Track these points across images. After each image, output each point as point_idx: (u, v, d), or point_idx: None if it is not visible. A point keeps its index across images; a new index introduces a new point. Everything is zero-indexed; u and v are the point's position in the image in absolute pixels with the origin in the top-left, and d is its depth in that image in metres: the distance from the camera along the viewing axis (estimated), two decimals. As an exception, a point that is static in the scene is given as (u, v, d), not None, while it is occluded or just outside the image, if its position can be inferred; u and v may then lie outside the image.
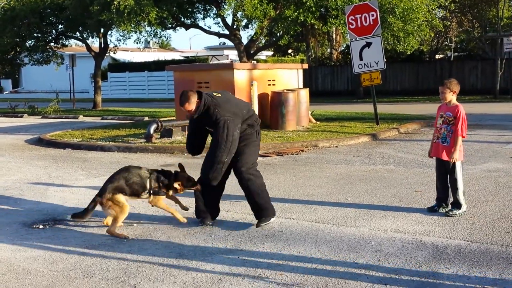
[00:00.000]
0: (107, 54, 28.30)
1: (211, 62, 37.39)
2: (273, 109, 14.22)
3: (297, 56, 45.99)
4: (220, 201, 6.13)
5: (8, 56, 28.05)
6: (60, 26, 26.60)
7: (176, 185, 5.88)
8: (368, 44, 14.36)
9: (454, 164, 6.03)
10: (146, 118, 19.97)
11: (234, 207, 6.64)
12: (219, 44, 47.30)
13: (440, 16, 29.53)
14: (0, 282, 4.47)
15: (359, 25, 14.41)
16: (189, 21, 23.05)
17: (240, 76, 13.92)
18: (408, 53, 22.95)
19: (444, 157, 6.08)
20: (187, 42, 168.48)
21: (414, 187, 7.52)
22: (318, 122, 15.90)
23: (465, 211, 6.08)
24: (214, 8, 22.16)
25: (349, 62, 24.45)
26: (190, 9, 22.50)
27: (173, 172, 5.99)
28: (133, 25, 19.54)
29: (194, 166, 9.59)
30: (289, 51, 47.27)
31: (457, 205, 6.08)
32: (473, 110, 18.58)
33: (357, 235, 5.42)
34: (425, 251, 4.90)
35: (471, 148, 10.57)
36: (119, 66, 44.04)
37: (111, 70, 42.84)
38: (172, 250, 5.13)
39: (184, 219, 5.95)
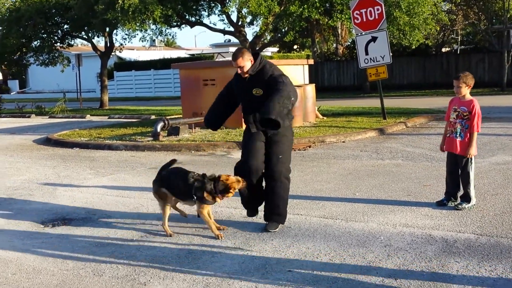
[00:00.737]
0: (113, 53, 28.34)
1: (216, 60, 37.39)
2: (279, 105, 14.17)
3: (303, 52, 45.93)
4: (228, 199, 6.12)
5: (15, 57, 28.15)
6: (65, 26, 26.66)
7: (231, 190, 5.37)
8: (374, 39, 14.31)
9: (468, 158, 6.00)
10: (153, 117, 20.01)
11: (242, 204, 6.64)
12: (225, 41, 47.33)
13: (446, 10, 29.39)
14: (11, 282, 4.50)
15: (365, 20, 14.36)
16: (194, 19, 23.03)
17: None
18: (414, 47, 22.85)
19: (458, 151, 6.03)
20: (193, 39, 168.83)
21: (423, 181, 7.49)
22: (324, 118, 15.87)
23: (474, 205, 6.05)
24: (219, 5, 22.13)
25: (355, 57, 24.38)
26: (194, 7, 22.48)
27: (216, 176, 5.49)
28: (138, 24, 19.54)
29: (201, 163, 9.61)
30: (295, 47, 47.22)
31: (466, 198, 6.06)
32: (481, 102, 18.25)
33: (366, 230, 5.41)
34: (434, 245, 4.89)
35: (480, 141, 10.48)
36: (125, 65, 44.11)
37: (117, 69, 42.93)
38: (181, 248, 5.14)
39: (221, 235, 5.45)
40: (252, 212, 5.91)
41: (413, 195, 6.78)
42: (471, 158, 6.02)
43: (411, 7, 18.46)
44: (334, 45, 38.18)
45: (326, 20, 20.01)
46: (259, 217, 6.00)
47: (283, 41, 29.78)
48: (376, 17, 14.19)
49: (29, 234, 5.82)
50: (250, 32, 65.95)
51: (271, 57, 38.07)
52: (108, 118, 21.14)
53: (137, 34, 26.82)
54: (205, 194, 5.32)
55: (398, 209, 6.13)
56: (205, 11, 23.21)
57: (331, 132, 12.64)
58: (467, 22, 30.31)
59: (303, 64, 16.09)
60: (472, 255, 4.61)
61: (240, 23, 21.86)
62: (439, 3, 22.92)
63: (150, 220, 6.15)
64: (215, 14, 23.58)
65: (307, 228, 5.57)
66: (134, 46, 43.27)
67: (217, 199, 5.38)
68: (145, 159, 10.41)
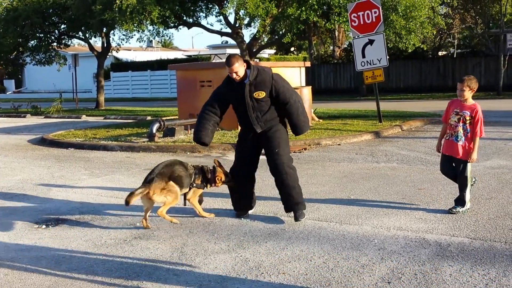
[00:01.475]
0: (109, 54, 28.32)
1: (213, 61, 37.38)
2: (275, 107, 14.17)
3: (300, 54, 46.00)
4: (223, 199, 6.14)
5: (11, 56, 28.09)
6: (62, 26, 26.62)
7: (217, 179, 6.03)
8: (371, 42, 14.33)
9: (467, 163, 6.01)
10: (149, 118, 19.99)
11: (237, 206, 6.63)
12: (222, 42, 47.30)
13: (443, 13, 29.47)
14: (3, 282, 4.48)
15: (362, 23, 14.39)
16: (191, 20, 23.03)
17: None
18: (409, 51, 22.92)
19: (460, 156, 6.01)
20: (190, 41, 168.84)
21: (417, 185, 7.50)
22: (320, 120, 15.88)
23: (468, 209, 6.06)
24: (217, 7, 22.14)
25: (352, 60, 24.43)
26: (192, 8, 22.48)
27: (210, 167, 6.16)
28: (135, 24, 19.54)
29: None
30: (292, 49, 47.28)
31: (461, 202, 6.06)
32: (477, 107, 18.49)
33: (360, 233, 5.41)
34: (428, 249, 4.89)
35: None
36: (122, 65, 44.08)
37: (114, 69, 42.89)
38: (174, 249, 5.13)
39: (212, 215, 6.16)
40: (241, 212, 6.16)
41: (408, 198, 6.79)
42: (470, 164, 6.02)
43: (408, 10, 18.49)
44: (331, 47, 38.25)
45: (324, 22, 20.04)
46: (253, 218, 6.00)
47: (280, 43, 29.81)
48: (374, 20, 14.22)
49: (23, 235, 5.79)
50: (247, 34, 66.08)
51: (268, 59, 38.11)
52: (104, 119, 21.11)
53: (134, 35, 26.81)
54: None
55: (392, 212, 6.13)
56: (203, 12, 23.23)
57: (326, 134, 12.65)
58: (464, 25, 30.42)
59: (300, 66, 16.09)
60: (465, 259, 4.62)
61: (237, 25, 21.87)
62: (436, 7, 22.95)
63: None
64: (212, 15, 23.57)
65: (301, 231, 5.56)
66: (131, 46, 43.21)
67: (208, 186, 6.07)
68: (140, 160, 10.39)
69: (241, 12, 20.01)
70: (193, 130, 6.12)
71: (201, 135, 5.87)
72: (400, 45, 20.57)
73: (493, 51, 28.36)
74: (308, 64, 16.95)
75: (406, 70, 32.40)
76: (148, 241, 5.42)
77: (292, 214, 6.03)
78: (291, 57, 43.52)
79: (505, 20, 26.85)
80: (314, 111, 16.14)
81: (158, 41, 28.85)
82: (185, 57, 45.73)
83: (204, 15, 23.30)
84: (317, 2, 18.14)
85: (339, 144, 11.67)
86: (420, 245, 5.01)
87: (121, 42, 26.24)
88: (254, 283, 4.28)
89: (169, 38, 25.31)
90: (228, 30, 22.67)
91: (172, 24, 22.71)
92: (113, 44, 27.04)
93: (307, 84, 16.59)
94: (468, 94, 5.99)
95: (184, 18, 22.75)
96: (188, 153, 11.13)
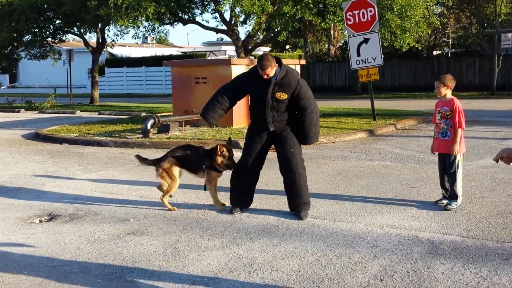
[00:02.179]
0: (104, 49, 28.22)
1: (208, 58, 37.33)
2: (270, 104, 14.18)
3: (295, 52, 45.99)
4: (219, 194, 6.18)
5: (6, 51, 27.96)
6: (57, 21, 26.50)
7: (219, 153, 6.09)
8: (366, 40, 14.35)
9: (454, 157, 6.08)
10: (143, 114, 19.95)
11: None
12: (217, 39, 47.31)
13: (437, 13, 29.53)
14: (-4, 277, 4.47)
15: (357, 21, 14.41)
16: (187, 16, 22.99)
17: (238, 71, 13.71)
18: (404, 50, 22.98)
19: (444, 150, 6.16)
20: (185, 37, 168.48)
21: (411, 183, 7.53)
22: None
23: (460, 204, 6.12)
24: (212, 3, 22.11)
25: (347, 58, 24.44)
26: (188, 4, 22.44)
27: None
28: (130, 20, 19.50)
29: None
30: (287, 46, 47.23)
31: (454, 197, 6.13)
32: (471, 106, 18.60)
33: (353, 231, 5.43)
34: (420, 247, 4.92)
35: (468, 144, 10.54)
36: (117, 61, 43.92)
37: (109, 65, 42.75)
38: (168, 245, 5.13)
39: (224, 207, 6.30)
40: (237, 209, 6.18)
41: (401, 196, 6.82)
42: (457, 156, 6.08)
43: (403, 10, 18.52)
44: (326, 45, 38.26)
45: (319, 21, 20.05)
46: (247, 215, 6.01)
47: (275, 40, 29.77)
48: (369, 18, 14.24)
49: (15, 230, 5.78)
50: (243, 31, 65.88)
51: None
52: (98, 114, 21.05)
53: (130, 31, 26.75)
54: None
55: (385, 210, 6.16)
56: (198, 9, 23.20)
57: (321, 132, 12.64)
58: (458, 25, 30.50)
59: (295, 64, 16.07)
60: (457, 257, 4.64)
61: (233, 22, 21.85)
62: (431, 6, 23.01)
63: (137, 217, 6.14)
64: (208, 12, 23.52)
65: (294, 228, 5.58)
66: (126, 42, 43.02)
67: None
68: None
69: (237, 9, 20.02)
70: (203, 107, 6.10)
71: (209, 114, 6.00)
72: (395, 43, 20.61)
73: (487, 51, 28.44)
74: (303, 62, 16.98)
75: (400, 69, 32.46)
76: (141, 237, 5.42)
77: (287, 211, 6.06)
78: (286, 55, 43.48)
79: (499, 20, 26.92)
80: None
81: (153, 38, 28.77)
82: (180, 53, 45.66)
83: (199, 12, 23.33)
84: (313, 1, 18.14)
85: (333, 142, 11.69)
86: (413, 243, 5.03)
87: (116, 38, 26.19)
88: (247, 280, 4.29)
89: (165, 34, 25.32)
90: (224, 27, 22.64)
91: (167, 21, 22.67)
92: (108, 40, 26.96)
93: (302, 82, 16.57)
94: (443, 90, 6.17)
95: (180, 14, 22.72)
96: (183, 149, 11.12)
